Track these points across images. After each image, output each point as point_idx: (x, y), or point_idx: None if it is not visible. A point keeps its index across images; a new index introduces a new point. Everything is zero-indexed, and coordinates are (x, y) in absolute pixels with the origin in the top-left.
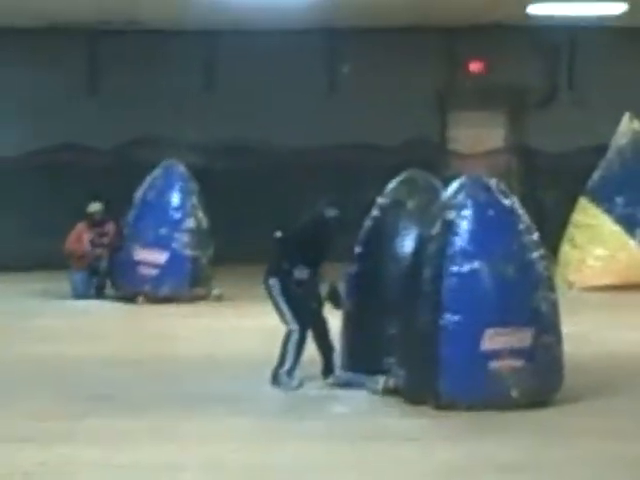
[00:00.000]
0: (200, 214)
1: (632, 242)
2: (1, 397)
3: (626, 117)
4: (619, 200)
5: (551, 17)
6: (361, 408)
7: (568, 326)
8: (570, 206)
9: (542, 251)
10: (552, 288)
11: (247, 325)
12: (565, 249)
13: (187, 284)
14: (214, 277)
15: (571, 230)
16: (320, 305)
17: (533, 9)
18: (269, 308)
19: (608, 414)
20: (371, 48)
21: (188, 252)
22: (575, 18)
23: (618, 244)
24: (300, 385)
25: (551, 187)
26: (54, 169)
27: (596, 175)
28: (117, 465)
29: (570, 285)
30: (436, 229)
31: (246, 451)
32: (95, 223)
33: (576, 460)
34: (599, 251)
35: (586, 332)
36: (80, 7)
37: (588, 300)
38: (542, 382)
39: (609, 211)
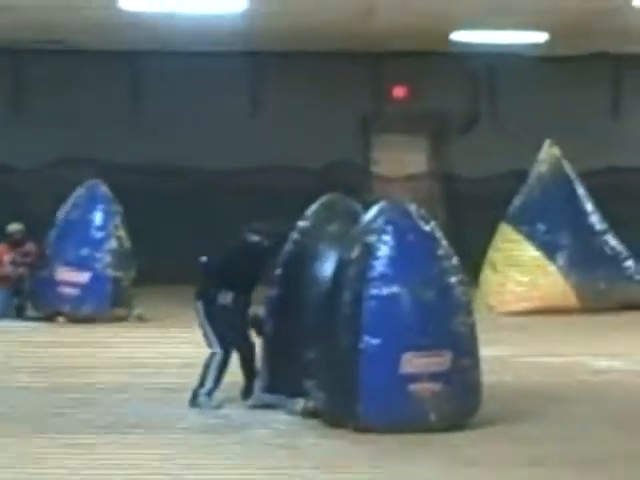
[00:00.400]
0: (122, 234)
1: (552, 267)
2: None
3: (547, 144)
4: (540, 226)
5: (473, 44)
6: (280, 430)
7: (486, 350)
8: (491, 231)
9: (461, 276)
10: (470, 312)
11: (166, 350)
12: (486, 273)
13: (108, 304)
14: (136, 298)
15: (492, 255)
16: (247, 329)
17: (456, 36)
18: (190, 331)
19: (521, 440)
20: (295, 71)
21: (109, 272)
22: (497, 46)
23: (539, 269)
24: (219, 406)
25: (472, 212)
26: None
27: (517, 201)
28: None
29: (491, 309)
30: (356, 253)
31: (158, 474)
32: (15, 243)
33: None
34: (519, 276)
35: (504, 357)
36: (5, 26)
37: (508, 324)
38: (459, 406)
39: (530, 236)
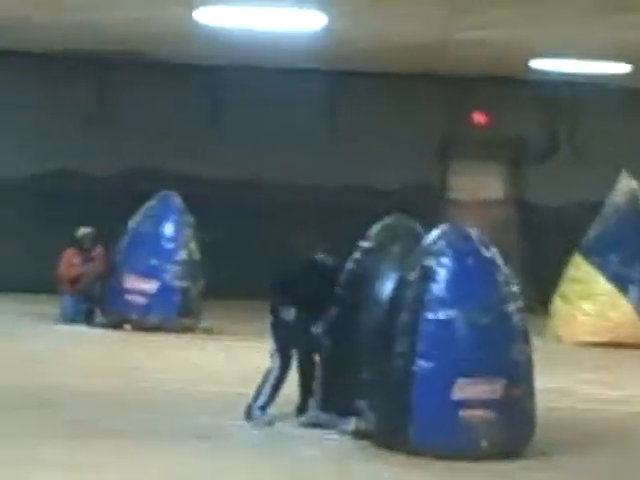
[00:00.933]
0: (193, 246)
1: (624, 301)
2: None
3: (624, 175)
4: (613, 258)
5: (553, 72)
6: (330, 450)
7: (550, 380)
8: (565, 261)
9: (520, 303)
10: (528, 341)
11: (230, 361)
12: (557, 303)
13: (175, 314)
14: (204, 310)
15: (564, 285)
16: (310, 348)
17: (536, 63)
18: (258, 345)
19: (573, 472)
20: (374, 92)
21: (178, 283)
22: (577, 75)
23: (610, 302)
24: (272, 422)
25: (547, 240)
26: (53, 194)
27: (591, 232)
28: None
29: (559, 339)
30: (414, 275)
31: None
32: (83, 248)
33: None
34: (590, 308)
35: (566, 387)
36: (87, 37)
37: (575, 356)
38: (512, 434)
39: (602, 268)
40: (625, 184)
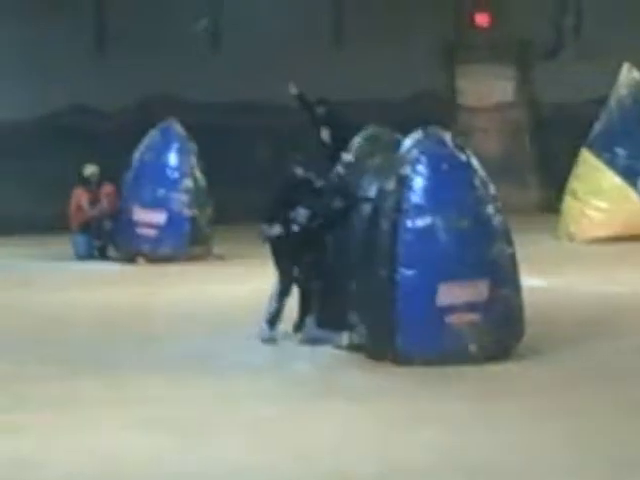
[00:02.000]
0: (198, 174)
1: (634, 194)
2: None
3: (625, 67)
4: (620, 151)
5: None
6: (320, 364)
7: (551, 278)
8: (574, 158)
9: (499, 204)
10: (510, 241)
11: (239, 287)
12: (567, 201)
13: (186, 244)
14: (214, 236)
15: (573, 182)
16: (304, 262)
17: None
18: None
19: (564, 367)
20: (376, 2)
21: (186, 212)
22: None
23: (619, 196)
24: (274, 339)
25: (558, 139)
26: (61, 132)
27: (597, 126)
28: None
29: (571, 237)
30: (392, 184)
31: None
32: (90, 187)
33: (524, 413)
34: (600, 203)
35: (568, 285)
36: None
37: (584, 252)
38: (500, 335)
39: (610, 163)
40: (627, 76)
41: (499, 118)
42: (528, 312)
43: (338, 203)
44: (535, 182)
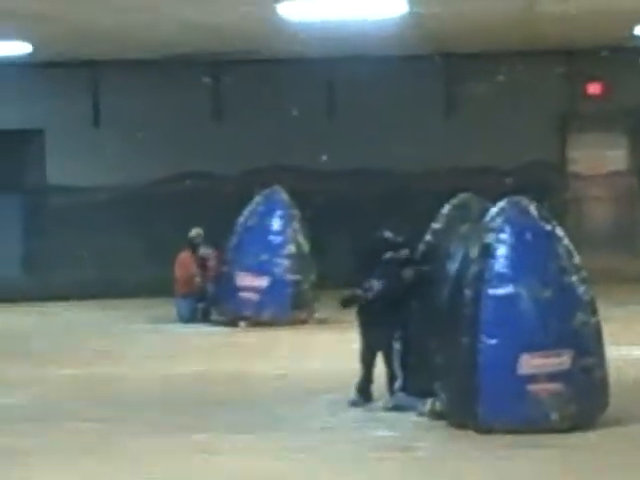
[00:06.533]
0: (301, 239)
1: None
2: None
3: None
4: None
5: None
6: (402, 431)
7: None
8: None
9: (583, 274)
10: (594, 311)
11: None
12: None
13: (288, 308)
14: (318, 301)
15: None
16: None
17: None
18: None
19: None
20: (488, 71)
21: (289, 277)
22: None
23: None
24: (357, 404)
25: None
26: (179, 197)
27: None
28: None
29: None
30: (476, 252)
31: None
32: (195, 248)
33: None
34: None
35: None
36: (202, 38)
37: None
38: (584, 405)
39: None
40: None
41: (611, 186)
42: (631, 382)
43: (409, 273)
44: None
